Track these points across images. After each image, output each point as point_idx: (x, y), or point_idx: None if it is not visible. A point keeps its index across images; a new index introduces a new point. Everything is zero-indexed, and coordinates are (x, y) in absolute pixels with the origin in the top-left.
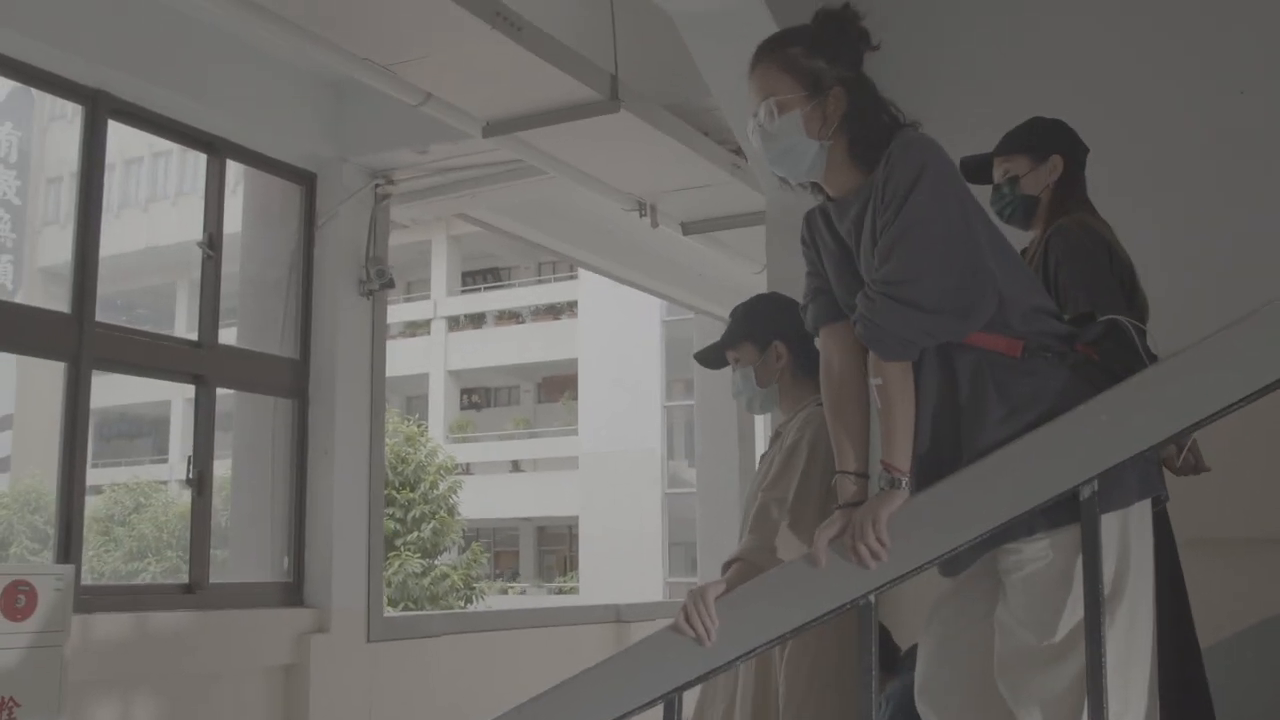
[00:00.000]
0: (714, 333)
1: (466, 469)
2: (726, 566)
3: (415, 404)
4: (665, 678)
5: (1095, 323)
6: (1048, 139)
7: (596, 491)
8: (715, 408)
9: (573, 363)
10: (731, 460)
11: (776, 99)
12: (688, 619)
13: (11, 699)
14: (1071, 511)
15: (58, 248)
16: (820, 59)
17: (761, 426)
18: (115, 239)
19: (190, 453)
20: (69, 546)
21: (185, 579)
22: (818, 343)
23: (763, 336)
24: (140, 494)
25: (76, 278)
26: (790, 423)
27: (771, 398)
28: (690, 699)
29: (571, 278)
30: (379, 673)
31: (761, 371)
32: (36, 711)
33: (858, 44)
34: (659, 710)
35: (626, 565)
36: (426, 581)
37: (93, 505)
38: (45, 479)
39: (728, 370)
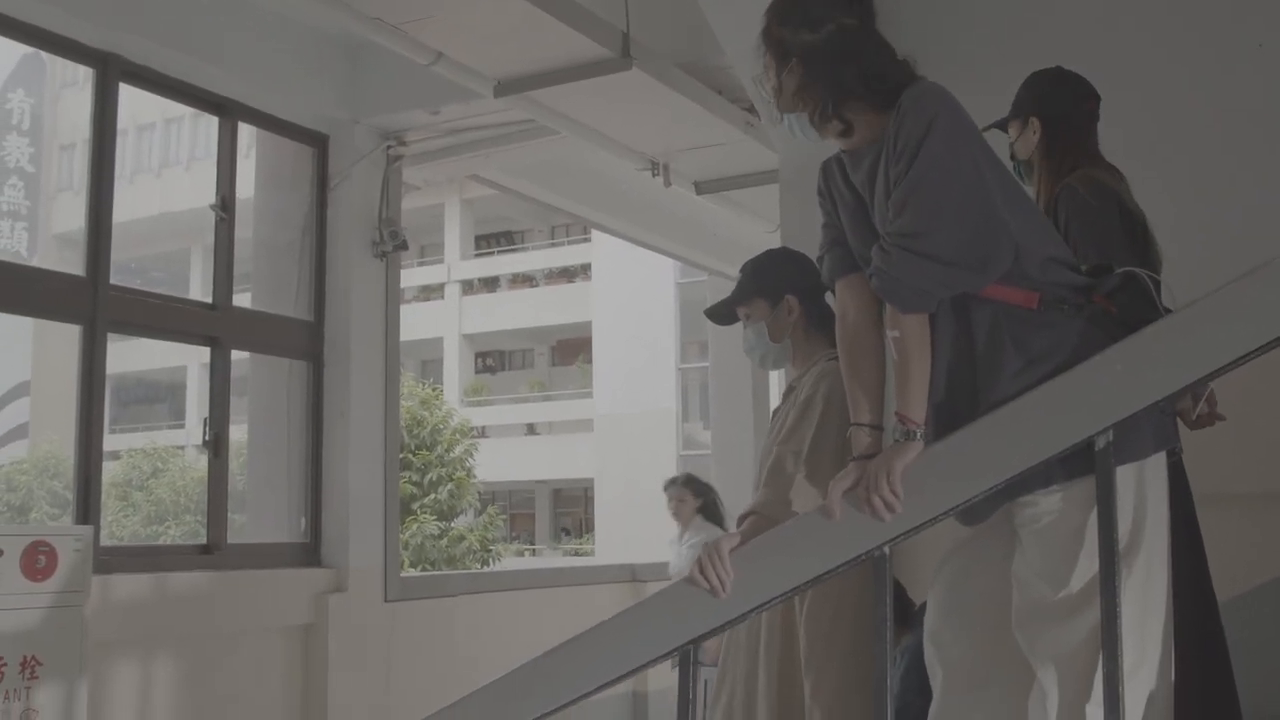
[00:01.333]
0: (727, 293)
1: (482, 432)
2: (741, 519)
3: (430, 368)
4: (680, 630)
5: (1113, 274)
6: (1025, 101)
7: (612, 454)
8: (730, 369)
9: (587, 325)
10: (746, 421)
11: (766, 73)
12: (702, 571)
13: (34, 658)
14: (1087, 463)
15: (72, 214)
16: (785, 27)
17: (775, 388)
18: (129, 205)
19: (207, 415)
20: (88, 509)
21: (203, 541)
22: (829, 298)
23: (774, 291)
24: (158, 459)
25: (91, 242)
26: (804, 377)
27: (784, 353)
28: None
29: (585, 240)
30: (397, 632)
31: (773, 327)
32: (58, 670)
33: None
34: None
35: (642, 527)
36: (444, 544)
37: (111, 470)
38: (63, 445)
39: (740, 331)
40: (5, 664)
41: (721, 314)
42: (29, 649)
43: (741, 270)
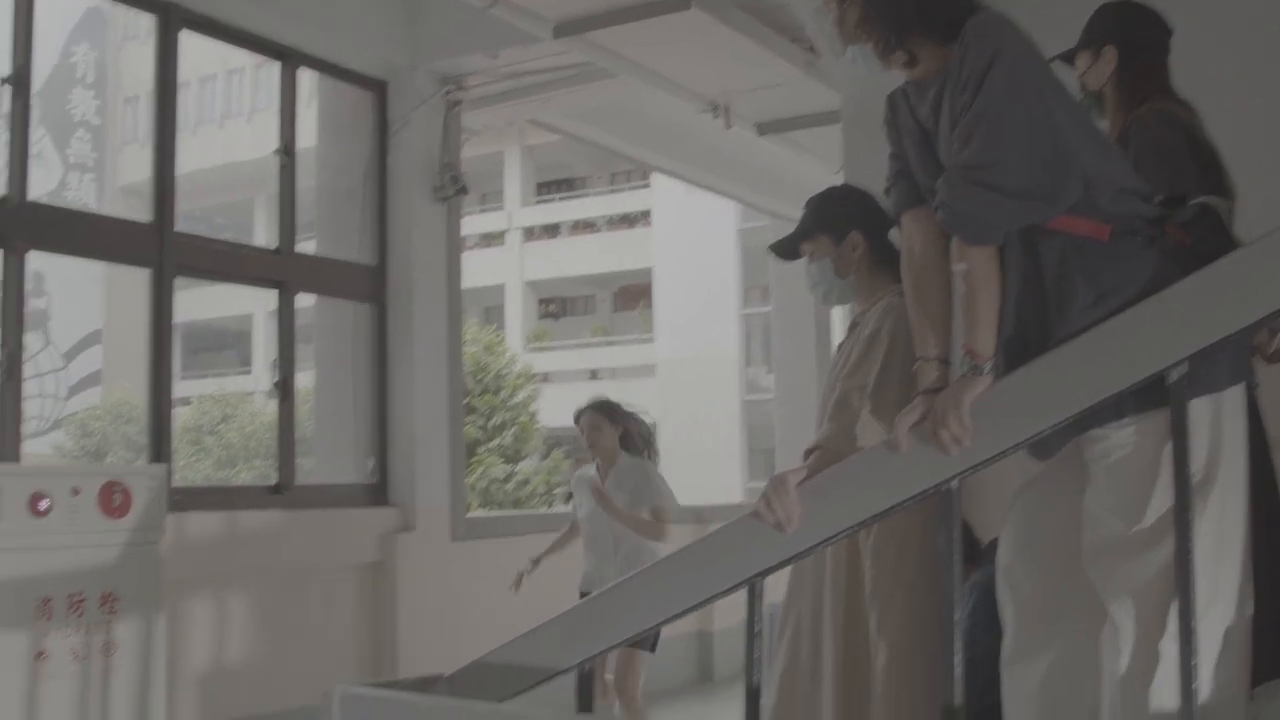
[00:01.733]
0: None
1: (545, 378)
2: (807, 454)
3: (493, 315)
4: (746, 564)
5: (1187, 205)
6: (1098, 30)
7: (674, 398)
8: (793, 313)
9: (648, 271)
10: (809, 365)
11: (827, 4)
12: (769, 505)
13: (112, 594)
14: (1160, 396)
15: (137, 166)
16: None
17: (837, 332)
18: (192, 156)
19: (275, 358)
20: (160, 449)
21: (273, 482)
22: (892, 234)
23: (839, 227)
24: (227, 405)
25: (157, 190)
26: (868, 312)
27: (848, 289)
28: (775, 591)
29: (644, 187)
30: (464, 571)
31: (838, 263)
32: (136, 605)
33: None
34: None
35: (706, 471)
36: (509, 487)
37: (182, 416)
38: (136, 391)
39: (803, 270)
40: (85, 599)
41: (785, 250)
42: (108, 585)
43: (806, 206)
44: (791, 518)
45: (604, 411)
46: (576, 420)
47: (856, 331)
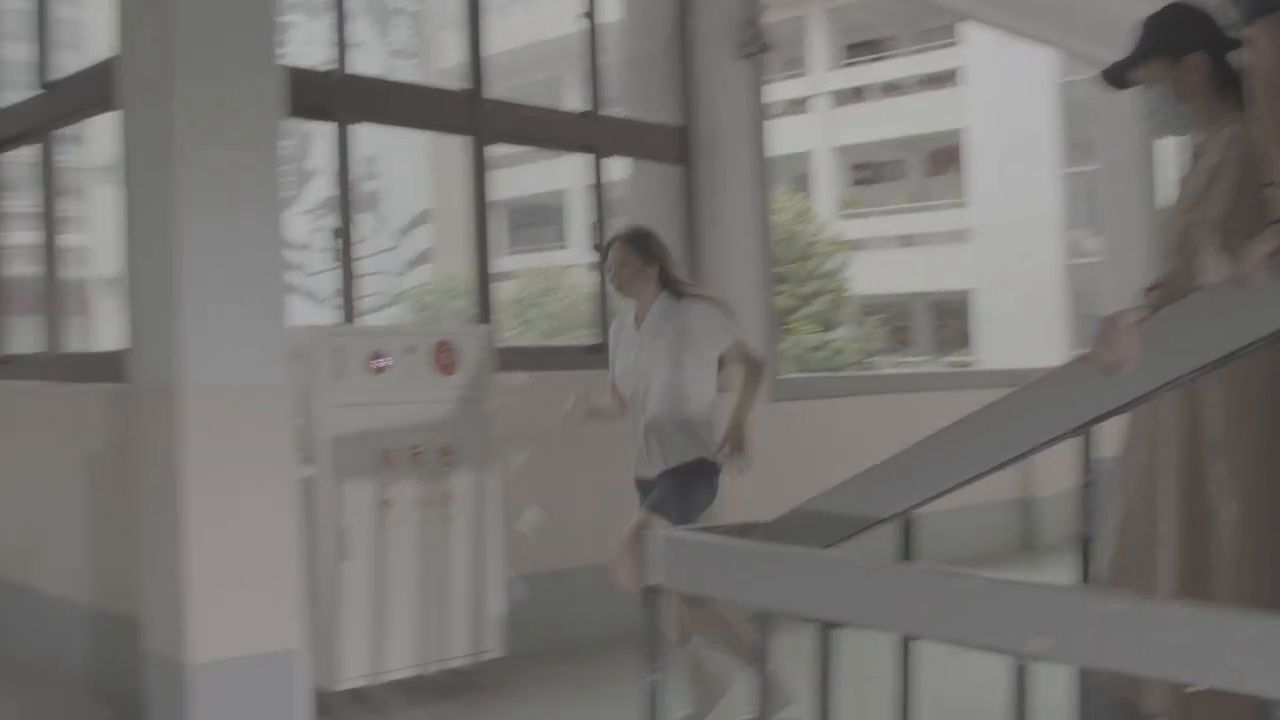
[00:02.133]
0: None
1: (857, 245)
2: (1147, 293)
3: (801, 183)
4: (1078, 410)
5: None
6: None
7: (990, 264)
8: (1120, 170)
9: (960, 133)
10: (1137, 225)
11: None
12: (1105, 345)
13: (447, 448)
14: None
15: (453, 49)
16: None
17: (1167, 188)
18: (503, 37)
19: (593, 221)
20: (485, 317)
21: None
22: (1233, 56)
23: (1178, 49)
24: (549, 278)
25: (471, 61)
26: (1210, 141)
27: (1186, 118)
28: (1107, 445)
29: (951, 45)
30: (779, 430)
31: (1178, 88)
32: (468, 459)
33: None
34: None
35: (1024, 338)
36: (823, 355)
37: (508, 290)
38: (463, 268)
39: (1130, 123)
40: (423, 452)
41: (1116, 78)
42: (443, 439)
43: (1141, 27)
44: (1129, 359)
45: (633, 243)
46: (604, 255)
47: (1199, 163)
